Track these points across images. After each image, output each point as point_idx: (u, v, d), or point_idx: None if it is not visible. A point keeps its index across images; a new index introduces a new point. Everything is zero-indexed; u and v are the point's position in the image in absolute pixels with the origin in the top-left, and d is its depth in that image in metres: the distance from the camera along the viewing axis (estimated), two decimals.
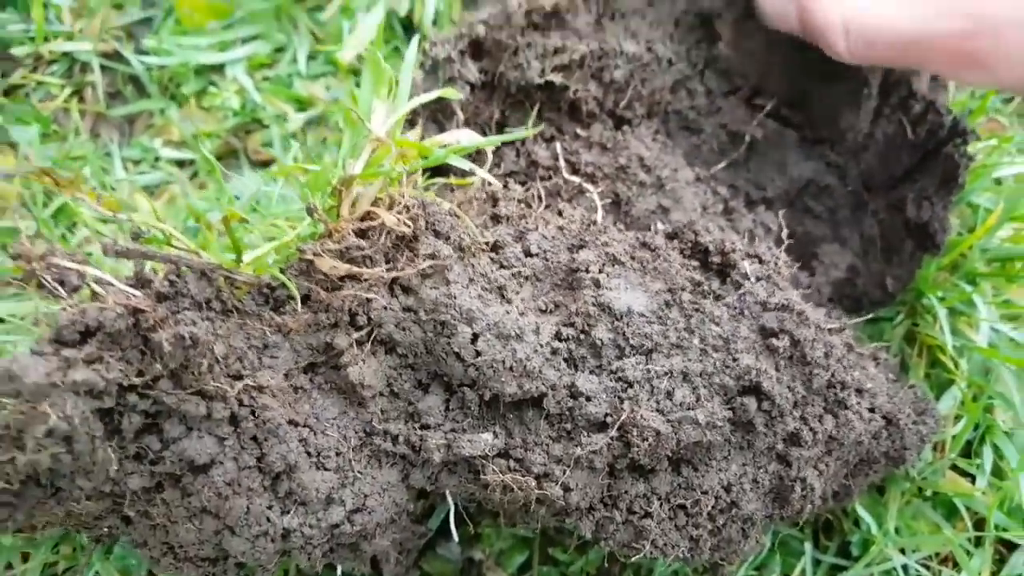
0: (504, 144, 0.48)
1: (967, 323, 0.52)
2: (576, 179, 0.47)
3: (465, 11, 0.59)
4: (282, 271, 0.34)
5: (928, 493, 0.47)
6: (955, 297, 0.52)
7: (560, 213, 0.43)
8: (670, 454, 0.34)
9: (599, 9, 0.49)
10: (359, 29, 0.63)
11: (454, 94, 0.40)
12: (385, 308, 0.34)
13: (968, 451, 0.49)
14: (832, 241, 0.54)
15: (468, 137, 0.37)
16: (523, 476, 0.33)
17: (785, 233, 0.48)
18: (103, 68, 0.64)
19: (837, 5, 0.43)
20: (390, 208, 0.35)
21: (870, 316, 0.53)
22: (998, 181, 0.56)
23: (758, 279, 0.38)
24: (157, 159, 0.60)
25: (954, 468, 0.48)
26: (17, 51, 0.62)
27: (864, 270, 0.54)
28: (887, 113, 0.52)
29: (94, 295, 0.31)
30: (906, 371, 0.51)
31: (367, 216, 0.35)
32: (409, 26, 0.65)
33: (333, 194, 0.36)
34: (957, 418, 0.49)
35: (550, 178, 0.47)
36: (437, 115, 0.47)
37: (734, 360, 0.36)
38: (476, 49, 0.47)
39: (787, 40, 0.52)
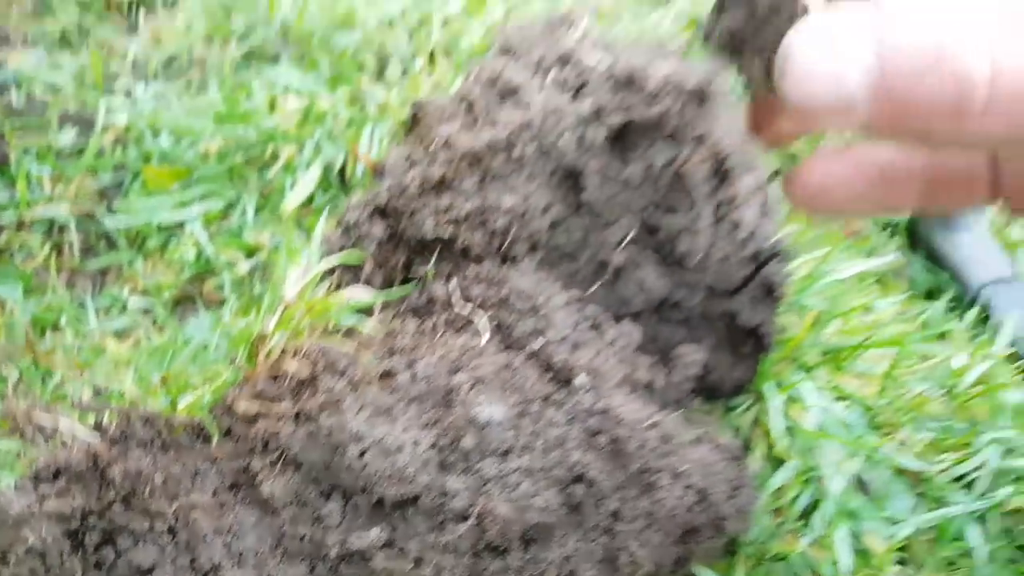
0: (409, 283, 0.59)
1: (801, 407, 0.63)
2: (466, 310, 0.57)
3: (376, 180, 0.71)
4: (210, 411, 0.44)
5: (772, 554, 0.56)
6: (789, 385, 0.63)
7: (446, 342, 0.53)
8: (519, 535, 0.44)
9: (481, 174, 0.61)
10: (300, 184, 0.74)
11: (356, 258, 0.50)
12: (291, 435, 0.44)
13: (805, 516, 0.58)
14: (688, 343, 0.65)
15: (361, 294, 0.48)
16: (404, 562, 0.43)
17: (642, 340, 0.59)
18: (78, 227, 0.75)
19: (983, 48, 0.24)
20: (294, 355, 0.45)
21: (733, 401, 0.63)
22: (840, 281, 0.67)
23: (587, 390, 0.48)
24: (125, 307, 0.70)
25: (794, 531, 0.57)
26: (3, 218, 0.74)
27: (716, 366, 0.64)
28: (720, 238, 0.64)
29: (63, 441, 0.41)
30: (751, 451, 0.61)
31: (278, 362, 0.45)
32: (343, 178, 0.77)
33: (253, 345, 0.46)
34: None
35: (446, 310, 0.58)
36: (351, 266, 0.58)
37: (567, 456, 0.45)
38: (381, 212, 0.58)
39: (642, 182, 0.64)
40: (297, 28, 0.85)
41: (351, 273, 0.58)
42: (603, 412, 0.48)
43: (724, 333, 0.65)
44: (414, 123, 0.63)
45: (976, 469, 0.64)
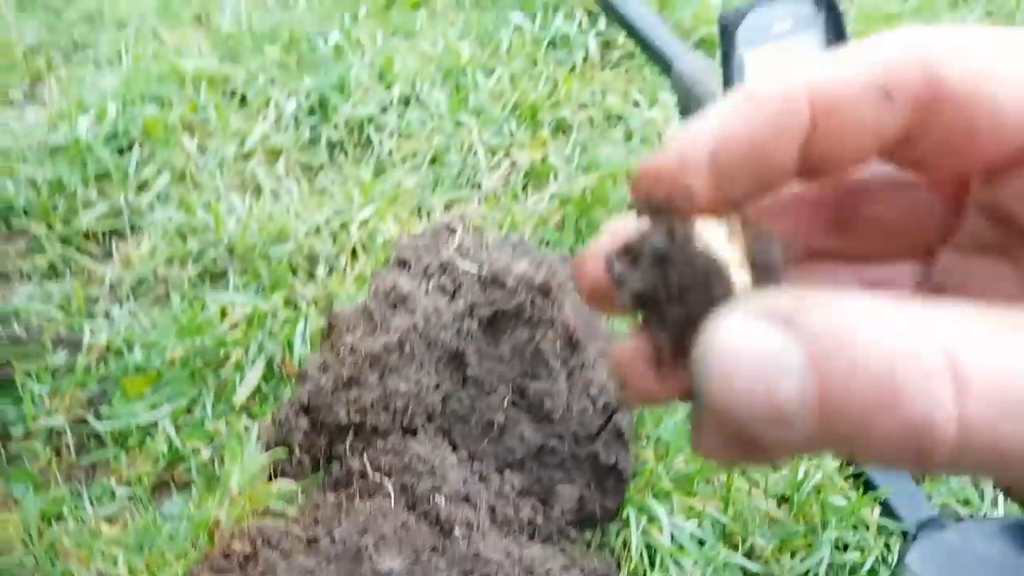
0: (332, 460, 0.77)
1: (658, 527, 0.80)
2: (377, 477, 0.75)
3: (299, 384, 0.89)
4: None
5: None
6: (647, 509, 0.80)
7: (360, 507, 0.71)
8: None
9: (380, 369, 0.80)
10: (247, 379, 0.93)
11: (283, 453, 0.69)
12: None
13: None
14: (564, 483, 0.83)
15: (287, 484, 0.66)
16: None
17: (523, 487, 0.77)
18: (73, 431, 0.92)
19: None
20: (240, 536, 0.62)
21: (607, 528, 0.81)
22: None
23: (464, 538, 0.66)
24: (113, 495, 0.87)
25: None
26: (13, 431, 0.91)
27: (589, 499, 0.82)
28: (577, 396, 0.83)
29: None
30: (620, 569, 0.78)
31: (228, 542, 0.63)
32: (282, 369, 0.96)
33: (210, 529, 0.64)
34: None
35: (362, 479, 0.76)
36: (279, 443, 0.76)
37: None
38: (305, 408, 0.77)
39: (512, 357, 0.83)
40: (241, 244, 1.06)
41: (285, 457, 0.76)
42: (475, 555, 0.66)
43: (591, 471, 0.83)
44: (329, 330, 0.83)
45: (817, 564, 0.82)
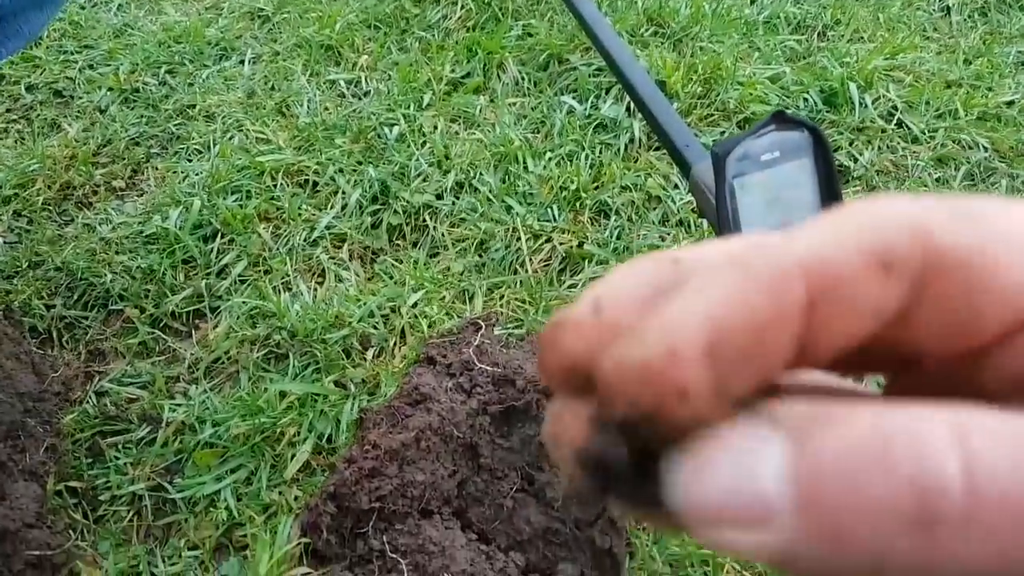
0: (357, 539, 0.90)
1: None
2: (394, 557, 0.88)
3: (330, 474, 1.03)
4: None
5: None
6: None
7: None
8: None
9: (400, 462, 0.93)
10: (297, 456, 1.08)
11: (311, 540, 0.82)
12: None
13: None
14: (566, 562, 0.93)
15: (307, 572, 0.80)
16: None
17: (527, 564, 0.88)
18: (150, 497, 1.09)
19: None
20: None
21: None
22: None
23: None
24: (181, 555, 1.03)
25: None
26: (102, 496, 1.09)
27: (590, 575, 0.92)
28: None
29: None
30: None
31: None
32: (331, 443, 1.10)
33: None
34: None
35: (381, 559, 0.88)
36: (310, 525, 0.90)
37: None
38: (332, 496, 0.90)
39: (521, 447, 0.95)
40: (302, 329, 1.22)
41: (316, 535, 0.90)
42: None
43: (590, 553, 0.94)
44: (360, 423, 0.97)
45: None
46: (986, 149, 1.57)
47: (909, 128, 1.62)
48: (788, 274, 0.15)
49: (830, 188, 0.96)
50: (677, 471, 0.15)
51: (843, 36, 1.88)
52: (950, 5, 2.00)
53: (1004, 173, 1.54)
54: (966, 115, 1.64)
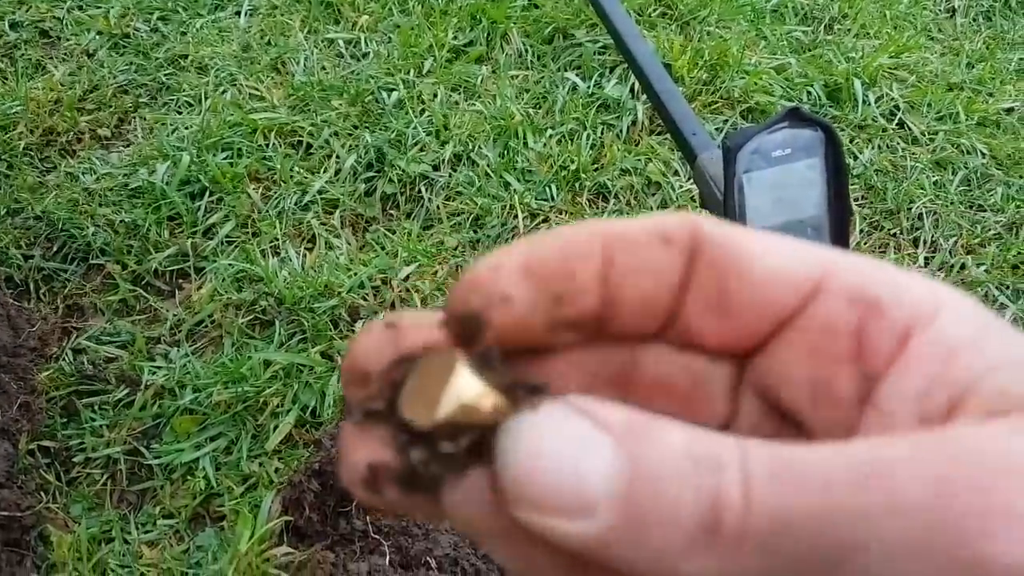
0: (339, 519, 0.87)
1: None
2: (378, 539, 0.85)
3: (315, 451, 0.99)
4: None
5: None
6: None
7: (355, 568, 0.81)
8: None
9: None
10: (280, 427, 1.04)
11: (291, 518, 0.79)
12: None
13: None
14: None
15: (286, 551, 0.76)
16: None
17: None
18: (126, 461, 1.05)
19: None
20: None
21: None
22: None
23: None
24: (156, 522, 1.00)
25: None
26: (76, 458, 1.05)
27: None
28: None
29: None
30: None
31: None
32: (315, 416, 1.07)
33: None
34: None
35: (364, 539, 0.86)
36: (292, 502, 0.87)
37: None
38: (317, 473, 0.87)
39: None
40: (289, 297, 1.17)
41: (298, 512, 0.86)
42: None
43: None
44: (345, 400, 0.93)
45: None
46: (984, 155, 1.55)
47: (910, 129, 1.60)
48: (588, 232, 0.19)
49: (839, 189, 0.94)
50: (510, 463, 0.16)
51: (849, 30, 1.85)
52: (956, 7, 1.97)
53: (1000, 180, 1.53)
54: (967, 119, 1.62)
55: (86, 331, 1.17)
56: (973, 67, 1.80)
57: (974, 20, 1.97)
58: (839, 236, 0.96)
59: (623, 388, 0.22)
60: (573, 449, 0.16)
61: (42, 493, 0.99)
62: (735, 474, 0.16)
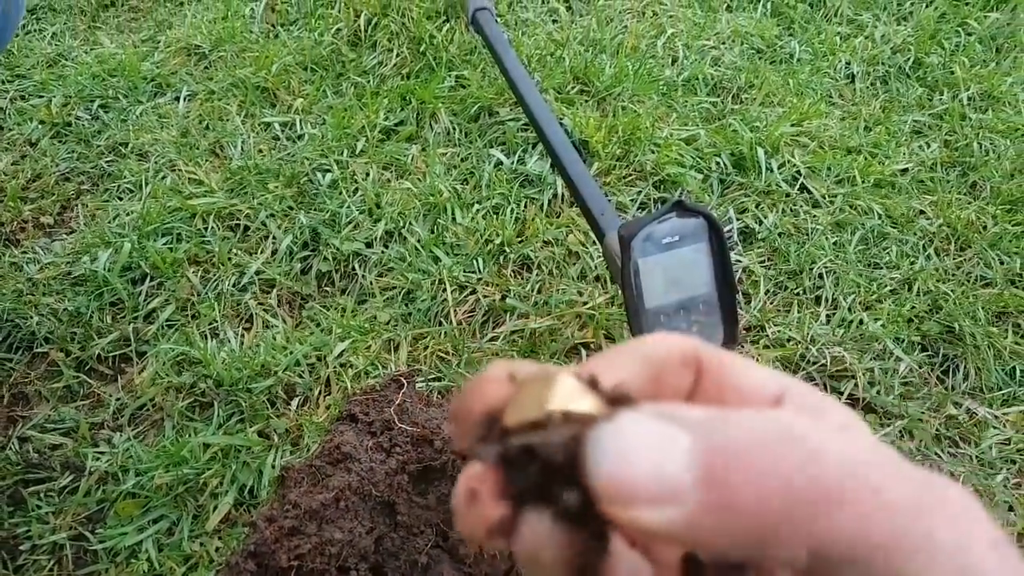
0: None
1: None
2: None
3: (251, 531, 1.06)
4: None
5: None
6: None
7: None
8: None
9: (319, 521, 0.96)
10: (219, 508, 1.10)
11: None
12: None
13: None
14: None
15: None
16: None
17: None
18: (72, 546, 1.10)
19: None
20: None
21: None
22: None
23: None
24: None
25: None
26: (24, 546, 1.09)
27: None
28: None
29: None
30: None
31: None
32: (253, 495, 1.13)
33: None
34: None
35: None
36: None
37: None
38: (252, 554, 0.94)
39: (437, 504, 0.99)
40: (228, 378, 1.24)
41: None
42: None
43: None
44: (280, 483, 1.00)
45: None
46: (880, 216, 1.69)
47: (811, 192, 1.73)
48: (635, 355, 0.26)
49: (724, 269, 1.05)
50: (601, 463, 0.19)
51: (755, 99, 1.99)
52: (855, 72, 2.13)
53: (895, 238, 1.67)
54: (863, 182, 1.76)
55: (31, 419, 1.22)
56: (870, 130, 1.95)
57: (871, 85, 2.13)
58: (728, 310, 1.07)
59: None
60: (654, 441, 0.19)
61: None
62: (820, 440, 0.19)
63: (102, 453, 1.17)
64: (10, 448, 1.17)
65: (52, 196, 1.59)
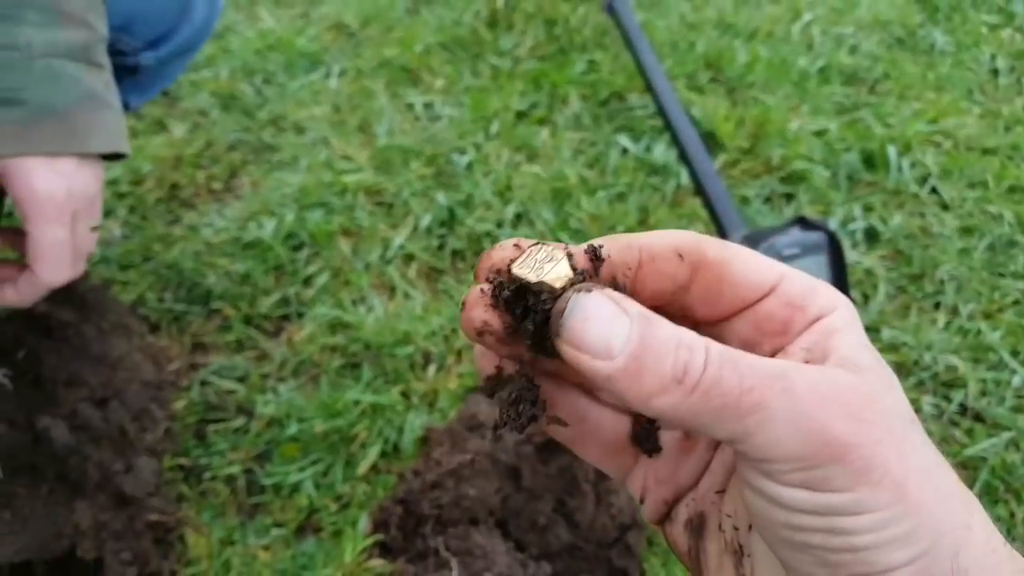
0: (418, 538, 1.14)
1: None
2: (446, 556, 1.11)
3: (399, 481, 1.26)
4: None
5: None
6: None
7: None
8: None
9: (456, 479, 1.15)
10: (367, 456, 1.31)
11: (380, 538, 1.06)
12: None
13: None
14: (586, 574, 1.16)
15: (381, 563, 1.03)
16: None
17: (554, 573, 1.11)
18: (244, 478, 1.34)
19: None
20: None
21: None
22: None
23: None
24: (268, 530, 1.28)
25: None
26: (204, 475, 1.34)
27: None
28: (600, 513, 1.15)
29: None
30: None
31: None
32: (397, 448, 1.33)
33: None
34: None
35: (435, 555, 1.12)
36: (380, 522, 1.14)
37: None
38: (401, 501, 1.14)
39: (557, 475, 1.17)
40: (375, 343, 1.45)
41: (386, 531, 1.13)
42: None
43: (607, 570, 1.16)
44: (424, 441, 1.20)
45: None
46: (1010, 224, 1.73)
47: (940, 195, 1.78)
48: (631, 243, 0.34)
49: (841, 284, 1.16)
50: (570, 317, 0.30)
51: (891, 92, 2.03)
52: (999, 68, 2.13)
53: (1023, 247, 1.71)
54: (996, 187, 1.79)
55: (209, 366, 1.46)
56: (1010, 130, 1.96)
57: (1017, 81, 2.13)
58: None
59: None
60: (608, 318, 0.29)
61: (180, 502, 1.28)
62: (700, 353, 0.29)
63: (269, 401, 1.40)
64: (194, 390, 1.42)
65: (221, 164, 1.82)
